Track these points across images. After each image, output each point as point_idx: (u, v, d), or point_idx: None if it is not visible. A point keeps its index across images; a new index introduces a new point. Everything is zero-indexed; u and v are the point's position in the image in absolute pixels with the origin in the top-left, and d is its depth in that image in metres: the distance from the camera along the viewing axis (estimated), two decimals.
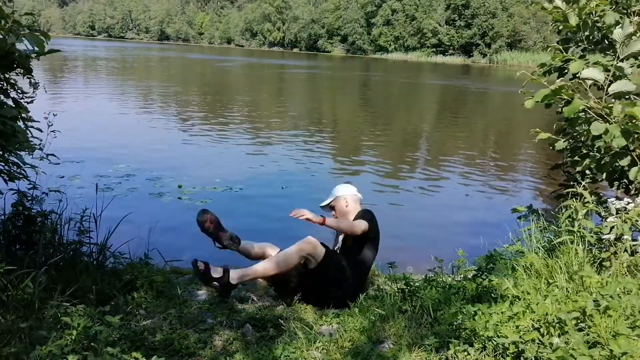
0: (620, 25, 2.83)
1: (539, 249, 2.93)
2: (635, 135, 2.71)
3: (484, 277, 2.64)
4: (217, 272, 2.91)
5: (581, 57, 3.18)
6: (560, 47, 3.39)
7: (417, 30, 59.30)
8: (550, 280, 2.55)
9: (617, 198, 2.93)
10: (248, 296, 3.15)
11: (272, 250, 3.24)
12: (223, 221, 3.11)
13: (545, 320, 2.05)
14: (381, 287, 3.27)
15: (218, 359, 2.29)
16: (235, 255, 3.20)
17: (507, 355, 1.99)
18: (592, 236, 2.73)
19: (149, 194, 6.00)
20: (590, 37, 3.21)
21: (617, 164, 2.84)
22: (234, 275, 2.93)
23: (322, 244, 3.05)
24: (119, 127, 10.49)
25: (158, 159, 7.75)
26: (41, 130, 2.90)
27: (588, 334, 1.99)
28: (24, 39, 2.49)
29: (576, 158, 3.22)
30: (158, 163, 7.44)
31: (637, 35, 2.84)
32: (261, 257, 3.20)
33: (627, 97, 2.92)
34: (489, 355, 2.04)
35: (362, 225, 3.07)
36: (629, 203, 2.72)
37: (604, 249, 2.74)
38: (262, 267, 2.98)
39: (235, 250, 3.10)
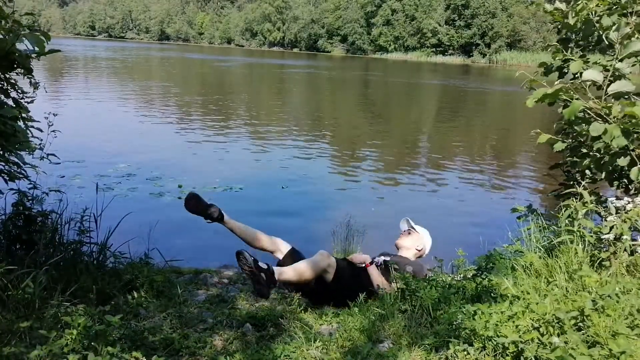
0: (617, 26, 2.83)
1: (539, 248, 2.93)
2: (635, 135, 2.71)
3: (484, 277, 2.64)
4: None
5: (581, 57, 3.18)
6: (559, 46, 3.39)
7: (417, 30, 59.32)
8: (550, 280, 2.55)
9: (617, 198, 2.94)
10: (248, 296, 3.16)
11: (285, 247, 3.23)
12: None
13: (544, 319, 2.05)
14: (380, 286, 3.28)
15: (218, 359, 2.29)
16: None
17: (507, 355, 2.00)
18: (591, 236, 2.73)
19: (149, 193, 6.01)
20: (590, 38, 3.21)
21: (616, 164, 2.84)
22: (276, 272, 2.81)
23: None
24: (119, 127, 10.49)
25: (158, 159, 7.76)
26: (41, 130, 2.90)
27: (587, 334, 1.99)
28: (24, 39, 2.49)
29: (576, 158, 3.22)
30: (158, 163, 7.45)
31: (636, 36, 2.84)
32: (269, 249, 3.18)
33: (626, 97, 2.92)
34: (488, 355, 2.04)
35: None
36: (628, 203, 2.72)
37: (604, 249, 2.74)
38: (296, 271, 2.92)
39: (218, 219, 3.17)
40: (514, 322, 2.09)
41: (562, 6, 3.16)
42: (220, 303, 2.99)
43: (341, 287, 3.06)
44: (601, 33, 3.05)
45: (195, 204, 3.19)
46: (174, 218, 5.30)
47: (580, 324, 2.05)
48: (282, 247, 3.24)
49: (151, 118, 11.78)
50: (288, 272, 2.91)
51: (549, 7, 3.25)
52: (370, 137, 11.33)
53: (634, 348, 1.82)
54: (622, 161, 2.79)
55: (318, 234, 5.00)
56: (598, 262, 2.66)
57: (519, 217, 3.35)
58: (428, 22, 58.13)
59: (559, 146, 3.23)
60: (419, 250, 3.50)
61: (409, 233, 3.53)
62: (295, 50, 71.30)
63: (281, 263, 3.16)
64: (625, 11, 2.98)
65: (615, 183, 3.15)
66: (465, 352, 2.08)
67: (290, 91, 22.55)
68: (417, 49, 59.98)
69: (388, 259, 3.32)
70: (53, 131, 3.04)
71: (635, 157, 2.76)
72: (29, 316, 2.23)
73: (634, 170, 2.75)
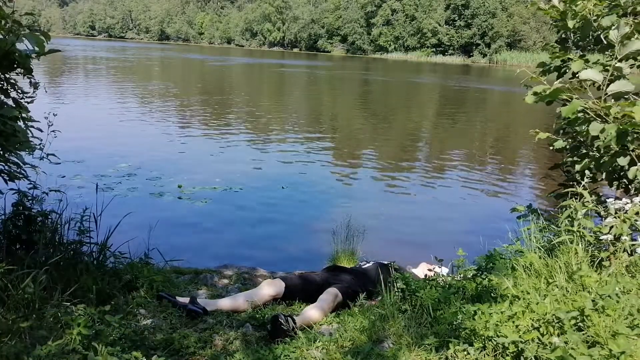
0: (616, 26, 2.82)
1: (539, 248, 2.93)
2: (635, 135, 2.71)
3: (484, 277, 2.64)
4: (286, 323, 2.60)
5: (581, 56, 3.18)
6: (558, 46, 3.39)
7: (417, 30, 59.35)
8: (550, 280, 2.55)
9: (617, 198, 2.93)
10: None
11: (280, 283, 3.10)
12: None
13: (544, 319, 2.05)
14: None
15: (218, 359, 2.30)
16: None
17: (507, 355, 2.00)
18: (591, 236, 2.73)
19: (149, 193, 6.01)
20: (589, 38, 3.21)
21: (616, 164, 2.84)
22: (298, 323, 2.65)
23: (338, 287, 3.05)
24: (119, 127, 10.49)
25: (158, 159, 7.76)
26: (41, 130, 2.90)
27: (587, 334, 1.99)
28: (24, 39, 2.49)
29: (576, 158, 3.22)
30: (158, 163, 7.45)
31: (635, 36, 2.84)
32: (273, 295, 3.03)
33: (625, 97, 2.92)
34: (488, 355, 2.04)
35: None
36: (627, 203, 2.72)
37: (603, 249, 2.74)
38: (313, 316, 2.81)
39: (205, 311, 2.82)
40: (514, 322, 2.09)
41: (559, 5, 3.15)
42: None
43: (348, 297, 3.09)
44: (599, 33, 3.04)
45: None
46: (174, 218, 5.31)
47: (580, 324, 2.05)
48: (282, 284, 3.11)
49: (151, 118, 11.78)
50: (307, 318, 2.77)
51: (544, 6, 3.24)
52: (370, 137, 11.33)
53: (634, 348, 1.82)
54: (622, 161, 2.78)
55: (318, 234, 5.00)
56: (598, 262, 2.66)
57: (519, 217, 3.34)
58: (428, 22, 58.15)
59: (559, 144, 3.23)
60: (429, 271, 3.55)
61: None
62: (295, 50, 71.30)
63: (287, 294, 3.09)
64: (624, 11, 2.98)
65: (615, 183, 3.15)
66: (465, 352, 2.08)
67: (290, 91, 22.55)
68: (417, 49, 60.00)
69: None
70: (53, 131, 3.04)
71: (634, 157, 2.76)
72: (29, 316, 2.22)
73: (633, 169, 2.75)
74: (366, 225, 4.59)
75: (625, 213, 2.67)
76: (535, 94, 2.94)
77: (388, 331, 2.43)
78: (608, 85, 2.86)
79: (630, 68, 3.02)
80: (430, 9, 58.94)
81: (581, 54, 3.30)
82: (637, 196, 2.81)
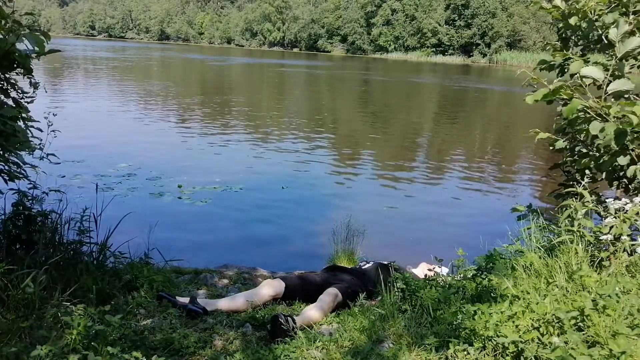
0: (616, 24, 2.82)
1: (539, 248, 2.93)
2: (635, 135, 2.71)
3: (484, 277, 2.64)
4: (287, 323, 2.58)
5: (581, 56, 3.18)
6: (559, 45, 3.38)
7: (417, 30, 59.37)
8: (550, 280, 2.55)
9: (617, 198, 2.93)
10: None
11: (280, 283, 3.10)
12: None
13: (544, 319, 2.05)
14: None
15: (218, 359, 2.30)
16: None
17: (507, 355, 2.00)
18: (591, 236, 2.73)
19: (149, 193, 6.01)
20: (590, 37, 3.20)
21: (616, 163, 2.84)
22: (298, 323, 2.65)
23: (338, 287, 3.05)
24: (119, 127, 10.50)
25: (158, 159, 7.76)
26: (41, 130, 2.90)
27: (587, 334, 1.99)
28: (24, 38, 2.49)
29: (576, 157, 3.22)
30: (158, 163, 7.45)
31: (636, 35, 2.84)
32: (273, 295, 3.03)
33: (626, 96, 2.92)
34: (488, 355, 2.04)
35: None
36: (627, 203, 2.72)
37: (603, 249, 2.74)
38: (313, 316, 2.80)
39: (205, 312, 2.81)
40: (514, 322, 2.09)
41: (561, 4, 3.15)
42: None
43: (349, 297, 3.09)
44: (601, 32, 3.04)
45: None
46: (174, 218, 5.31)
47: (580, 324, 2.05)
48: (281, 284, 3.10)
49: (151, 118, 11.78)
50: (307, 318, 2.76)
51: (546, 5, 3.24)
52: (370, 137, 11.33)
53: (634, 348, 1.82)
54: (622, 160, 2.78)
55: (318, 234, 5.01)
56: (598, 262, 2.66)
57: (519, 217, 3.34)
58: (428, 22, 58.16)
59: (560, 144, 3.22)
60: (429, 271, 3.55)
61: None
62: (295, 50, 71.29)
63: (287, 294, 3.09)
64: (625, 10, 2.98)
65: (615, 183, 3.15)
66: (465, 352, 2.08)
67: (290, 91, 22.54)
68: (417, 48, 60.02)
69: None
70: (53, 131, 3.04)
71: (634, 157, 2.76)
72: (29, 316, 2.22)
73: (632, 168, 2.75)
74: (366, 225, 4.59)
75: (625, 213, 2.67)
76: (535, 100, 2.93)
77: (388, 331, 2.43)
78: (608, 84, 2.85)
79: (631, 68, 3.02)
80: (430, 8, 58.94)
81: (582, 53, 3.30)
82: (637, 196, 2.82)
